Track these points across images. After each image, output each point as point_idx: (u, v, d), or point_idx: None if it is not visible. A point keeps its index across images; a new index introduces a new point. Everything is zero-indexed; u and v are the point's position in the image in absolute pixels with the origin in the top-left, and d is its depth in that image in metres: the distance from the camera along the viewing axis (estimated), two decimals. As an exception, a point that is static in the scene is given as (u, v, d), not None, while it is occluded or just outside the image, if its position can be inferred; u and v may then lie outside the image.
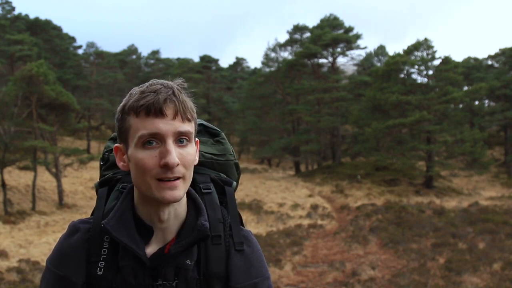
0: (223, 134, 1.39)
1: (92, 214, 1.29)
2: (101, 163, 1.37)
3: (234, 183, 1.32)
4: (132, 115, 1.09)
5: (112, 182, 1.27)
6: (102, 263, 1.14)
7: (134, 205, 1.17)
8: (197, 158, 1.16)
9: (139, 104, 1.07)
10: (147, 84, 1.12)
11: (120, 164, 1.15)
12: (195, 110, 1.15)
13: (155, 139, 1.07)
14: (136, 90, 1.12)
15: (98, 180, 1.32)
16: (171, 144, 1.07)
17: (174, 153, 1.06)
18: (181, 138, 1.09)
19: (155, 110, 1.06)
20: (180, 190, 1.09)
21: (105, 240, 1.15)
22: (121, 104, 1.12)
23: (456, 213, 18.34)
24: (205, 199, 1.22)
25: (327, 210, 20.35)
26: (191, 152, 1.11)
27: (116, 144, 1.16)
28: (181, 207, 1.17)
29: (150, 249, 1.14)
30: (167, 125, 1.07)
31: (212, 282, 1.17)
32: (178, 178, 1.08)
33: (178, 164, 1.07)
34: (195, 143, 1.16)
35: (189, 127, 1.10)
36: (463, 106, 33.46)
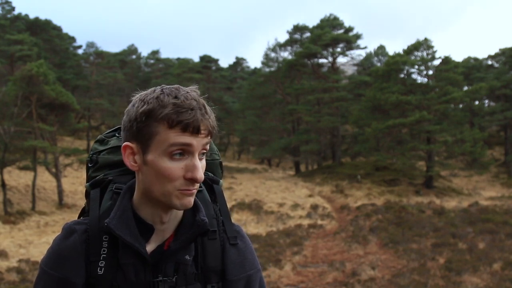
0: None
1: (79, 216, 1.30)
2: (90, 165, 1.36)
3: (221, 181, 1.36)
4: (163, 125, 1.08)
5: (104, 183, 1.27)
6: (102, 263, 1.15)
7: (133, 205, 1.19)
8: None
9: (178, 119, 1.08)
10: (178, 94, 1.11)
11: (128, 163, 1.15)
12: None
13: (184, 152, 1.10)
14: (166, 98, 1.09)
15: (89, 182, 1.31)
16: (197, 159, 1.11)
17: (201, 168, 1.11)
18: (203, 152, 1.14)
19: (193, 129, 1.09)
20: (194, 196, 1.14)
21: (104, 239, 1.16)
22: (147, 108, 1.09)
23: (456, 213, 18.34)
24: (197, 196, 1.24)
25: (327, 210, 20.35)
26: (204, 164, 1.16)
27: (126, 143, 1.14)
28: None
29: (149, 247, 1.17)
30: (199, 142, 1.10)
31: (209, 276, 1.21)
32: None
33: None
34: None
35: (211, 141, 1.16)
36: (463, 106, 33.48)
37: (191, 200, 1.12)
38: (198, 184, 1.12)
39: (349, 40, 34.57)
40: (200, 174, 1.10)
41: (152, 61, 57.12)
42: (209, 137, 1.13)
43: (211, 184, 1.32)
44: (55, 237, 1.21)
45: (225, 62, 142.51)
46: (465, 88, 33.53)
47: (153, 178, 1.11)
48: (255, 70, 53.38)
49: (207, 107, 1.14)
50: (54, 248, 1.18)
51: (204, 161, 1.15)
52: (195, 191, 1.12)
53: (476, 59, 46.43)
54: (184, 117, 1.08)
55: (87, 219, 1.20)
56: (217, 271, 1.21)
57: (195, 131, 1.09)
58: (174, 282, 1.16)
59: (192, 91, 1.15)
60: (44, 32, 43.22)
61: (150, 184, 1.12)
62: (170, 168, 1.09)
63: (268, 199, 22.90)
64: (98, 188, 1.26)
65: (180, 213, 1.20)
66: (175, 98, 1.10)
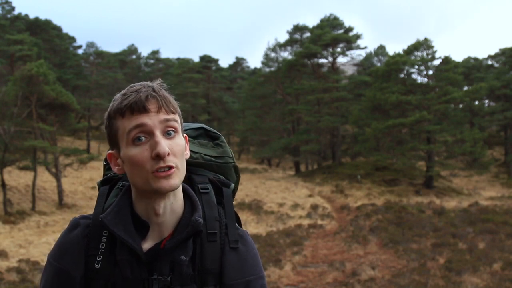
0: (222, 137, 1.42)
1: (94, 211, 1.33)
2: (104, 163, 1.41)
3: (232, 184, 1.34)
4: (118, 118, 1.14)
5: (114, 181, 1.31)
6: (100, 257, 1.17)
7: (132, 202, 1.20)
8: (188, 153, 1.21)
9: (123, 104, 1.12)
10: (127, 87, 1.17)
11: (115, 169, 1.19)
12: (177, 106, 1.19)
13: (143, 134, 1.12)
14: (118, 95, 1.17)
15: (100, 179, 1.36)
16: (159, 136, 1.11)
17: (164, 143, 1.11)
18: (168, 131, 1.14)
19: (138, 107, 1.11)
20: (175, 178, 1.12)
21: (103, 234, 1.19)
22: (107, 112, 1.17)
23: (456, 213, 18.35)
24: (202, 198, 1.25)
25: (327, 210, 20.35)
26: (180, 143, 1.15)
27: (109, 151, 1.21)
28: (177, 203, 1.19)
29: (147, 245, 1.17)
30: (152, 118, 1.12)
31: (206, 278, 1.19)
32: (172, 167, 1.12)
33: (169, 154, 1.11)
34: (184, 138, 1.20)
35: (174, 118, 1.15)
36: (463, 106, 33.47)
37: (169, 183, 1.11)
38: (168, 160, 1.10)
39: (349, 40, 34.56)
40: (162, 148, 1.09)
41: (152, 61, 57.06)
42: (163, 112, 1.13)
43: (220, 187, 1.31)
44: (63, 230, 1.26)
45: (225, 62, 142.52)
46: (465, 88, 33.54)
47: (130, 170, 1.14)
48: (255, 70, 53.38)
49: (156, 87, 1.15)
50: (59, 240, 1.22)
51: (178, 140, 1.14)
52: (171, 172, 1.11)
53: (476, 59, 46.45)
54: (128, 100, 1.12)
55: (92, 214, 1.23)
56: (215, 274, 1.20)
57: (143, 109, 1.11)
58: (169, 282, 1.16)
59: (150, 82, 1.18)
60: (44, 32, 43.22)
61: (131, 178, 1.15)
62: (136, 154, 1.11)
63: (268, 199, 22.90)
64: (108, 185, 1.30)
65: (178, 210, 1.19)
66: (124, 90, 1.16)
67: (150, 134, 1.11)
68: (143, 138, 1.11)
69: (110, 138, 1.17)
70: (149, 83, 1.16)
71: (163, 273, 1.16)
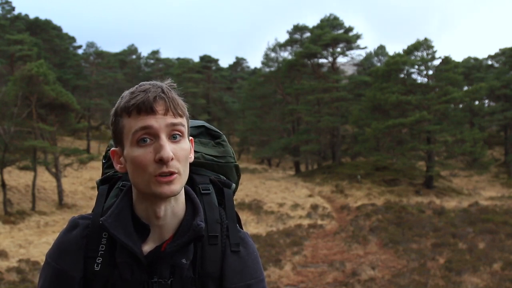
0: (224, 136, 1.40)
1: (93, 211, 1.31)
2: (103, 162, 1.39)
3: (233, 185, 1.32)
4: (124, 116, 1.12)
5: (113, 180, 1.29)
6: (100, 259, 1.16)
7: (133, 203, 1.18)
8: (192, 156, 1.18)
9: (130, 103, 1.10)
10: (136, 85, 1.16)
11: (117, 167, 1.17)
12: (186, 108, 1.17)
13: (148, 136, 1.10)
14: (126, 92, 1.15)
15: (99, 178, 1.33)
16: (164, 139, 1.09)
17: (168, 147, 1.09)
18: (174, 134, 1.12)
19: (145, 108, 1.09)
20: (177, 184, 1.11)
21: (103, 236, 1.17)
22: (114, 108, 1.15)
23: (456, 213, 18.35)
24: (203, 199, 1.23)
25: (327, 210, 20.35)
26: (185, 147, 1.13)
27: (112, 148, 1.19)
28: (179, 206, 1.18)
29: (147, 247, 1.16)
30: (159, 121, 1.10)
31: (207, 282, 1.18)
32: (174, 173, 1.10)
33: (172, 158, 1.09)
34: (190, 141, 1.18)
35: (181, 122, 1.13)
36: (463, 106, 33.48)
37: (170, 188, 1.09)
38: (171, 166, 1.09)
39: (349, 40, 34.56)
40: (166, 152, 1.07)
41: (152, 61, 57.07)
42: (170, 115, 1.11)
43: (221, 188, 1.29)
44: (61, 229, 1.24)
45: (225, 62, 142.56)
46: (465, 88, 33.55)
47: (132, 171, 1.12)
48: (255, 70, 53.38)
49: (166, 89, 1.13)
50: (58, 240, 1.20)
51: (183, 144, 1.13)
52: (172, 177, 1.09)
53: (476, 59, 46.46)
54: (136, 100, 1.10)
55: (92, 214, 1.21)
56: (215, 277, 1.18)
57: (150, 110, 1.09)
58: (169, 285, 1.15)
59: (160, 82, 1.16)
60: (44, 32, 43.22)
61: (132, 178, 1.13)
62: (139, 155, 1.09)
63: (268, 199, 22.90)
64: (107, 184, 1.28)
65: (179, 213, 1.18)
66: (133, 88, 1.14)
67: (155, 136, 1.09)
68: (148, 140, 1.09)
69: (115, 135, 1.16)
70: (158, 83, 1.14)
71: (163, 276, 1.15)
